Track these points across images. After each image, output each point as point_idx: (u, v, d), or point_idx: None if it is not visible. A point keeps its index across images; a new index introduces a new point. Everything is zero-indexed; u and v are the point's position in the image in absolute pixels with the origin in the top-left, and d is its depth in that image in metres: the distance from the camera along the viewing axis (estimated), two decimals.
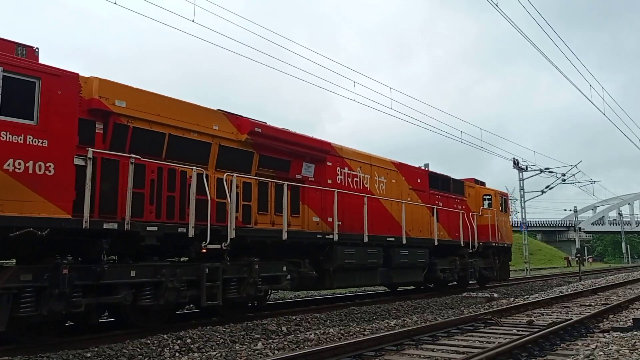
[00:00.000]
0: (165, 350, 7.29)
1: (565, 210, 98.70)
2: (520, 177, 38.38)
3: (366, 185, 13.64)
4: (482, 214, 19.48)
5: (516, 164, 37.20)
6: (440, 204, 17.03)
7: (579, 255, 30.10)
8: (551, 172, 39.10)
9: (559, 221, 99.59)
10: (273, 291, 12.30)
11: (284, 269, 10.82)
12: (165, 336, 7.76)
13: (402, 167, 15.42)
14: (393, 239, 13.90)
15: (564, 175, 40.01)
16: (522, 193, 38.75)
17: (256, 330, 8.79)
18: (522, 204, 38.84)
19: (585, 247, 78.53)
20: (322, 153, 12.34)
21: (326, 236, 11.76)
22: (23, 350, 6.87)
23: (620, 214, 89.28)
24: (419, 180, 16.12)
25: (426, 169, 17.56)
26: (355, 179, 13.27)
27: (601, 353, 6.48)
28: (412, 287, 18.69)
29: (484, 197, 20.25)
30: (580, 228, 78.23)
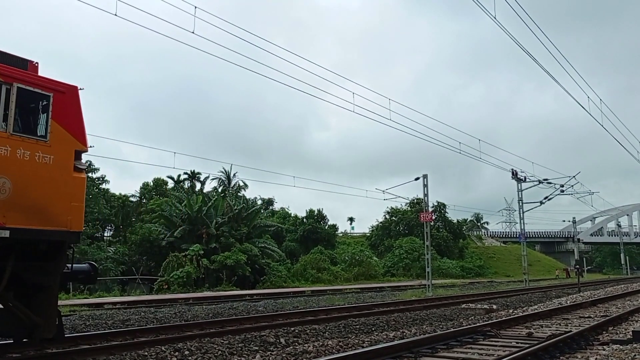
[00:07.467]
0: None
1: (564, 221, 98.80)
2: (519, 188, 38.36)
3: None
4: None
5: (515, 174, 37.19)
6: None
7: (577, 266, 30.12)
8: (550, 183, 39.09)
9: (557, 232, 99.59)
10: None
11: None
12: (163, 348, 7.74)
13: None
14: None
15: (562, 186, 40.01)
16: (520, 204, 38.74)
17: (254, 342, 8.75)
18: (521, 215, 38.82)
19: (584, 258, 78.39)
20: None
21: None
22: None
23: (619, 225, 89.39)
24: None
25: None
26: None
27: None
28: None
29: None
30: (579, 239, 78.13)
